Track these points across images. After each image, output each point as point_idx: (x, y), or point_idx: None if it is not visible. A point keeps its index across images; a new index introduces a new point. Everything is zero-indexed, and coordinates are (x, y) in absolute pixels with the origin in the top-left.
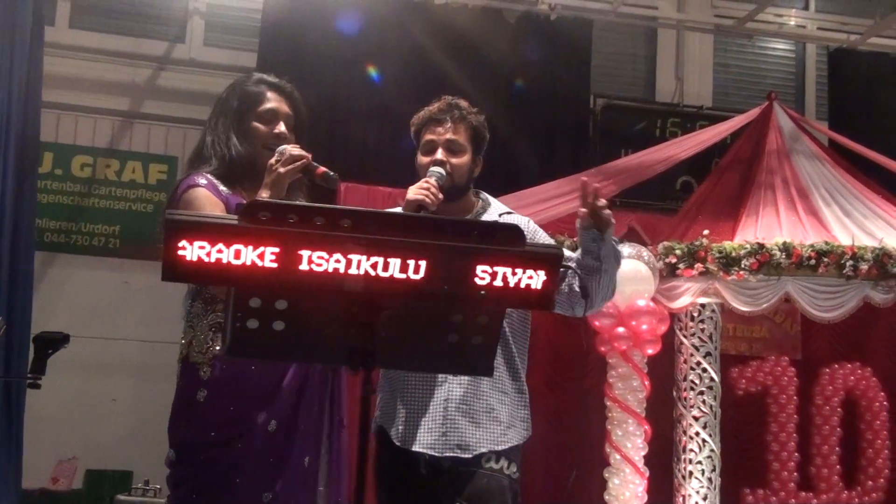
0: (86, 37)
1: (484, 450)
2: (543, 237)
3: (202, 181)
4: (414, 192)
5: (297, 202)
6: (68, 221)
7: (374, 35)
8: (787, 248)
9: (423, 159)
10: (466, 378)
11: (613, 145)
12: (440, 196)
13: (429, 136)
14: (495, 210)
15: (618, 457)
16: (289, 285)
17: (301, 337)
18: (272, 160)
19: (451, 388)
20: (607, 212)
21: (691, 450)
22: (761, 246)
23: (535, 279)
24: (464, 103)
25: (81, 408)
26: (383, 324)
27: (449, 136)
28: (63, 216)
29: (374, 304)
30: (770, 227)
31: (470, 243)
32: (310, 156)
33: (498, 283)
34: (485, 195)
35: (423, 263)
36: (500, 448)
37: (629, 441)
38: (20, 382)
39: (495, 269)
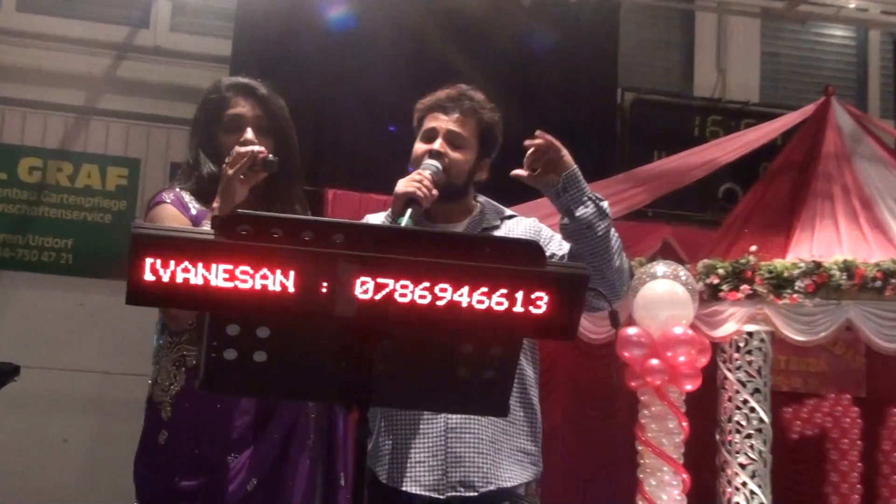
0: (36, 21)
1: (492, 487)
2: (557, 241)
3: (168, 197)
4: (404, 185)
5: (282, 214)
6: (14, 234)
7: (367, 22)
8: (848, 268)
9: (419, 148)
10: None
11: (644, 147)
12: (434, 192)
13: (431, 124)
14: (496, 213)
15: None
16: (272, 310)
17: (286, 370)
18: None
19: (449, 416)
20: (554, 148)
21: (737, 503)
22: (818, 265)
23: (558, 304)
24: (479, 95)
25: (28, 449)
26: (381, 355)
27: (453, 126)
28: (8, 228)
29: (369, 332)
30: (828, 242)
31: (482, 261)
32: (259, 148)
33: (516, 308)
34: (485, 199)
35: (426, 284)
36: (509, 485)
37: (664, 492)
38: None
39: (511, 291)
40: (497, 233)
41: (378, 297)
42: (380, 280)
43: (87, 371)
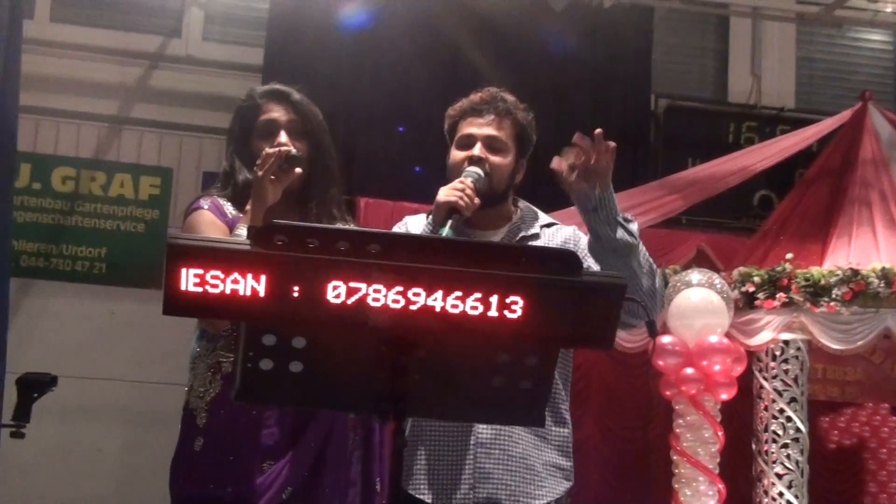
0: (69, 32)
1: None
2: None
3: (205, 204)
4: (446, 194)
5: (318, 224)
6: (48, 243)
7: (399, 30)
8: (886, 275)
9: (457, 155)
10: None
11: (679, 154)
12: (476, 200)
13: (467, 130)
14: (537, 221)
15: None
16: (308, 320)
17: (321, 380)
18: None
19: (479, 428)
20: (611, 159)
21: None
22: (855, 272)
23: (594, 314)
24: (510, 97)
25: (62, 459)
26: (416, 365)
27: (490, 131)
28: (42, 237)
29: (406, 342)
30: (866, 249)
31: (517, 272)
32: (287, 147)
33: (551, 317)
34: (525, 204)
35: (461, 294)
36: (537, 503)
37: (700, 502)
38: None
39: (547, 301)
40: (536, 241)
41: (413, 307)
42: (415, 290)
43: (120, 380)
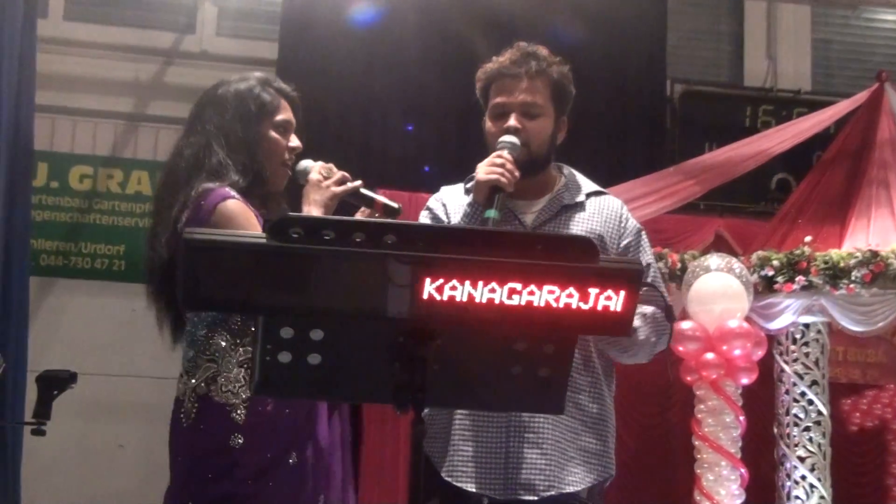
0: (83, 30)
1: (553, 492)
2: (633, 223)
3: (233, 192)
4: (485, 171)
5: (334, 217)
6: (66, 241)
7: (411, 22)
8: None
9: (491, 126)
10: None
11: (695, 139)
12: (517, 173)
13: (499, 99)
14: (581, 188)
15: None
16: (325, 312)
17: (340, 371)
18: (316, 177)
19: (516, 413)
20: None
21: (797, 497)
22: (875, 254)
23: (613, 300)
24: (543, 51)
25: (84, 456)
26: (434, 355)
27: (524, 96)
28: (60, 236)
29: (423, 333)
30: (885, 231)
31: (534, 259)
32: (358, 183)
33: (570, 305)
34: (569, 170)
35: (479, 283)
36: (571, 489)
37: (723, 487)
38: (17, 428)
39: (564, 288)
40: (581, 213)
41: (431, 296)
42: (432, 280)
43: (141, 376)
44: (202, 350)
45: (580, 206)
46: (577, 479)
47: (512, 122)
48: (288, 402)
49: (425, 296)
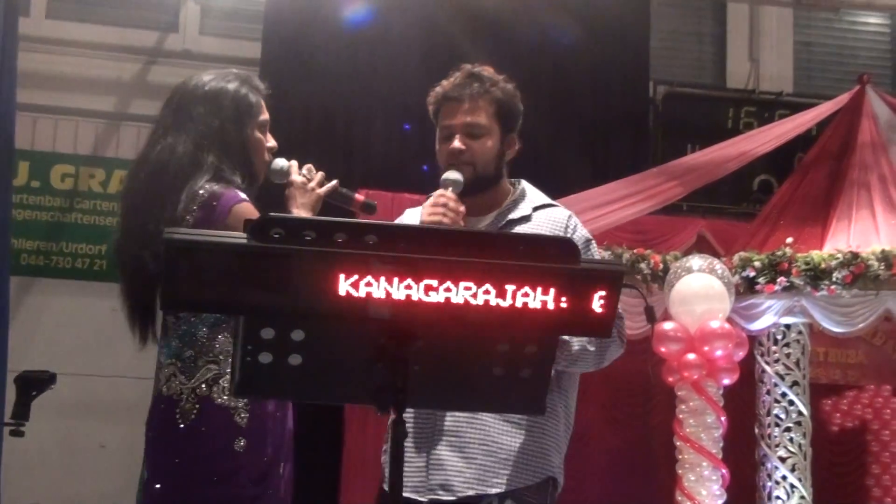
0: (65, 28)
1: (471, 492)
2: (581, 240)
3: (242, 194)
4: (428, 213)
5: (315, 217)
6: (47, 241)
7: (395, 21)
8: (886, 258)
9: (440, 148)
10: None
11: (678, 140)
12: (462, 209)
13: (445, 122)
14: (529, 201)
15: None
16: (307, 313)
17: (321, 372)
18: (300, 179)
19: (441, 416)
20: None
21: (778, 497)
22: (855, 255)
23: (594, 301)
24: (486, 72)
25: (66, 456)
26: (416, 356)
27: (467, 118)
28: (41, 235)
29: (405, 334)
30: (865, 232)
31: (516, 259)
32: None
33: (549, 305)
34: (524, 185)
35: (460, 284)
36: (494, 491)
37: (704, 487)
38: None
39: (546, 289)
40: (526, 224)
41: (412, 297)
42: (413, 280)
43: (122, 376)
44: (203, 351)
45: (526, 219)
46: (502, 481)
47: (456, 143)
48: (278, 406)
49: (408, 296)
